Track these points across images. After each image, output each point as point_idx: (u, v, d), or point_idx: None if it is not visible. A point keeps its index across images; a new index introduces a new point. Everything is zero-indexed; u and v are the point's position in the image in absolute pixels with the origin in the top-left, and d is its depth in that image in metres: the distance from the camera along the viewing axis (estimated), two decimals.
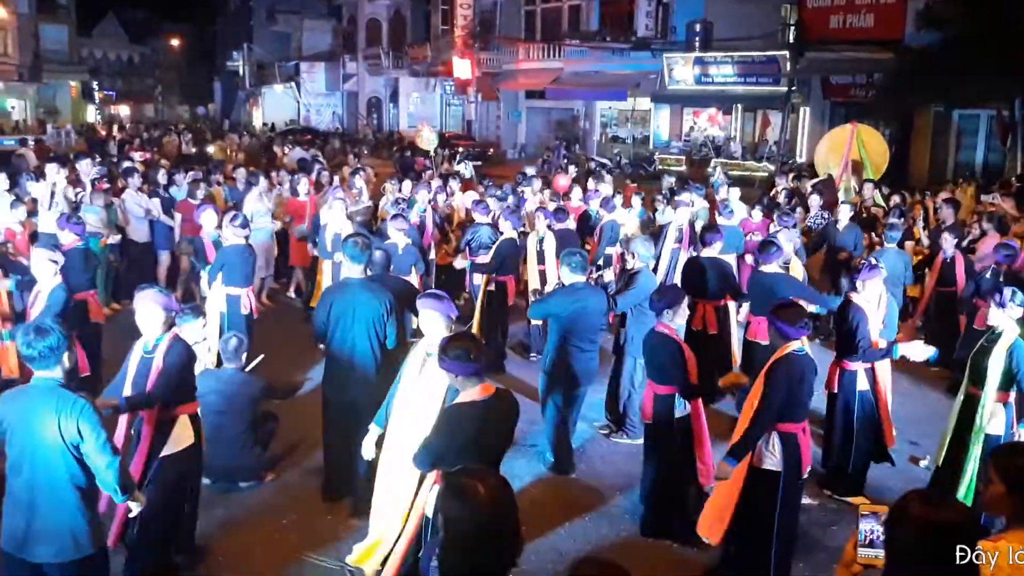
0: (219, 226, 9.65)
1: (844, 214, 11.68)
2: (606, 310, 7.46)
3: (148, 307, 5.21)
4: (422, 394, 5.20)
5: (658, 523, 6.34)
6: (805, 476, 5.54)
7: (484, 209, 11.00)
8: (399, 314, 6.59)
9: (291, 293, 13.06)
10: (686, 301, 6.25)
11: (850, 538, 3.42)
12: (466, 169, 19.27)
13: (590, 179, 16.12)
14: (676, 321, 6.23)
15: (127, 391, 5.28)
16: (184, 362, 5.31)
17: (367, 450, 5.56)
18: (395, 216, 9.87)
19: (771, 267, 8.23)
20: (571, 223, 11.24)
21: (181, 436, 5.39)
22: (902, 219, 11.58)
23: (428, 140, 24.73)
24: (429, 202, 12.22)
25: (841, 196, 14.41)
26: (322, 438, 6.76)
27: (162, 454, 5.32)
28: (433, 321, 5.31)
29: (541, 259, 10.32)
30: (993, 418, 6.15)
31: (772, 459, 5.40)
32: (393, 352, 6.53)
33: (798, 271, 9.71)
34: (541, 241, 10.34)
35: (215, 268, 9.01)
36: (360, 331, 6.37)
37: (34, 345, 4.15)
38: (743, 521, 5.50)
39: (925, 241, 12.01)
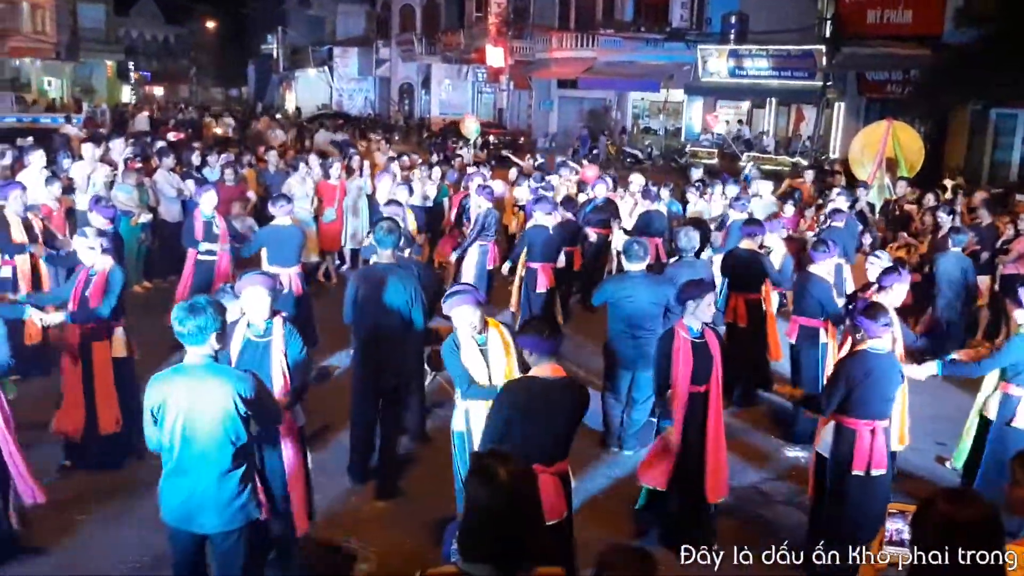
0: (217, 208, 9.79)
1: (841, 204, 11.44)
2: (663, 300, 7.41)
3: (257, 291, 5.24)
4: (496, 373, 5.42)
5: (662, 528, 6.22)
6: (871, 475, 5.44)
7: (488, 193, 11.22)
8: (424, 298, 6.64)
9: (320, 277, 13.11)
10: (710, 297, 6.05)
11: (876, 536, 3.41)
12: (468, 154, 19.47)
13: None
14: (698, 316, 5.98)
15: None
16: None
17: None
18: (389, 202, 9.93)
19: (818, 267, 7.99)
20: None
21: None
22: (951, 216, 11.29)
23: (471, 129, 25.42)
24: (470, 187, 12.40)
25: (875, 194, 14.28)
26: (349, 420, 6.81)
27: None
28: (465, 313, 5.41)
29: None
30: (989, 401, 6.41)
31: (823, 444, 5.58)
32: (420, 335, 6.61)
33: (776, 261, 9.42)
34: None
35: (253, 247, 9.17)
36: (386, 315, 6.43)
37: (185, 323, 4.23)
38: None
39: None
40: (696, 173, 15.54)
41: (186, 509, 4.34)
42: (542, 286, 9.85)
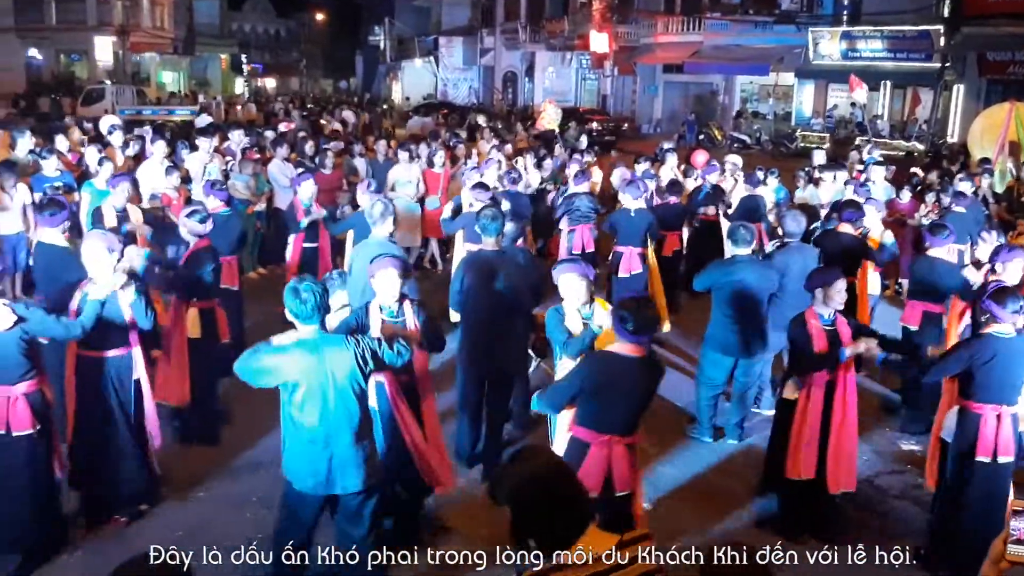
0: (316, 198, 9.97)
1: (965, 188, 10.98)
2: (771, 286, 7.30)
3: (389, 273, 5.40)
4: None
5: (782, 518, 6.12)
6: (998, 461, 5.26)
7: (580, 179, 11.08)
8: (531, 284, 6.67)
9: (426, 263, 13.27)
10: (840, 284, 5.88)
11: (1001, 534, 3.29)
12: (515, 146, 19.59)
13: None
14: (828, 303, 5.84)
15: None
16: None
17: None
18: (475, 185, 9.90)
19: (938, 251, 7.67)
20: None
21: None
22: None
23: (551, 119, 22.97)
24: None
25: (997, 179, 13.69)
26: (457, 405, 6.90)
27: None
28: (572, 282, 5.50)
29: None
30: None
31: (947, 429, 5.50)
32: (525, 322, 6.65)
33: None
34: None
35: (341, 227, 9.34)
36: (492, 302, 6.47)
37: (307, 302, 4.46)
38: None
39: None
40: (819, 157, 15.10)
41: (326, 474, 4.58)
42: (624, 270, 9.77)
